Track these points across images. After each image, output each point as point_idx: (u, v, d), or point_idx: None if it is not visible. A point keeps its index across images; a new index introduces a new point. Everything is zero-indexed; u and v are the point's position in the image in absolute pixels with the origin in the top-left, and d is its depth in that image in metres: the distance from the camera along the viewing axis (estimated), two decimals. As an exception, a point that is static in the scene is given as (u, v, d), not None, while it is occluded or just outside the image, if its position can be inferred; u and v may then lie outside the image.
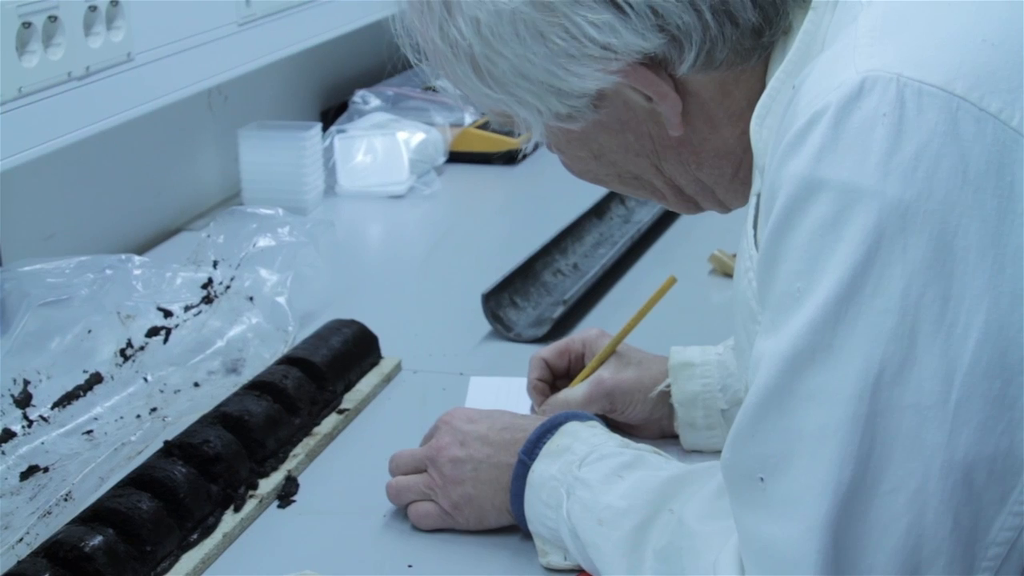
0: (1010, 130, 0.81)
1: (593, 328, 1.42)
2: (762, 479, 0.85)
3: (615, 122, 1.01)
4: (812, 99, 0.84)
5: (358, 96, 2.40)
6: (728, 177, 1.04)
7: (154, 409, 1.37)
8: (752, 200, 0.97)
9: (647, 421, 1.35)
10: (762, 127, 0.95)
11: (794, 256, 0.83)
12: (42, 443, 1.30)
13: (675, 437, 1.35)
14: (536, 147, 2.34)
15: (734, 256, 1.70)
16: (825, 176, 0.82)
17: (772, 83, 0.95)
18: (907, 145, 0.80)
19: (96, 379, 1.40)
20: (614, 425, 1.31)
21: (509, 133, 2.32)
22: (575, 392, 1.35)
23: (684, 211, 1.11)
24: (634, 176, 1.07)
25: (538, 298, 1.72)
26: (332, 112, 2.43)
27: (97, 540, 1.11)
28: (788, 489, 0.83)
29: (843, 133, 0.81)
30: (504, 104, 1.01)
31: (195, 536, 1.19)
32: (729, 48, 0.96)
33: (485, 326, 1.63)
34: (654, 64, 0.96)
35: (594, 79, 0.96)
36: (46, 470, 1.25)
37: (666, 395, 1.34)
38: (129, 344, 1.44)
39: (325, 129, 2.22)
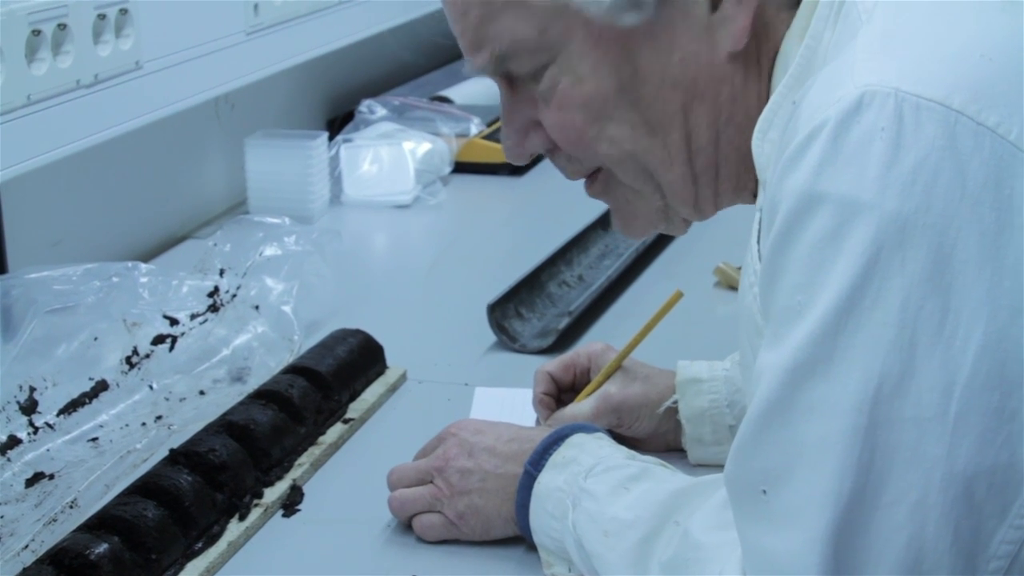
0: (1008, 144, 0.81)
1: (598, 342, 1.42)
2: (764, 492, 0.85)
3: (667, 35, 0.98)
4: (811, 114, 0.84)
5: (364, 106, 2.40)
6: (741, 153, 1.00)
7: (159, 417, 1.38)
8: (755, 215, 0.98)
9: (653, 435, 1.36)
10: (764, 141, 0.95)
11: (794, 269, 0.84)
12: (47, 450, 1.30)
13: (680, 450, 1.35)
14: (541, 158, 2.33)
15: (739, 269, 1.70)
16: (824, 190, 0.82)
17: (774, 98, 0.95)
18: (905, 159, 0.80)
19: (102, 386, 1.40)
20: (620, 439, 1.31)
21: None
22: (582, 407, 1.35)
23: (678, 196, 1.05)
24: (650, 128, 1.01)
25: (543, 309, 1.72)
26: (338, 121, 2.44)
27: (102, 548, 1.11)
28: (790, 501, 0.83)
29: (842, 147, 0.82)
30: None
31: (200, 544, 1.19)
32: None
33: (490, 337, 1.63)
34: None
35: None
36: (51, 477, 1.25)
37: (673, 410, 1.34)
38: (135, 352, 1.45)
39: (331, 138, 2.22)
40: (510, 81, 1.05)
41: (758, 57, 1.00)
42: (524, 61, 1.01)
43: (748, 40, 0.98)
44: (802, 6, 0.97)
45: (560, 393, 1.40)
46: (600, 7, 0.97)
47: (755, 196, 1.04)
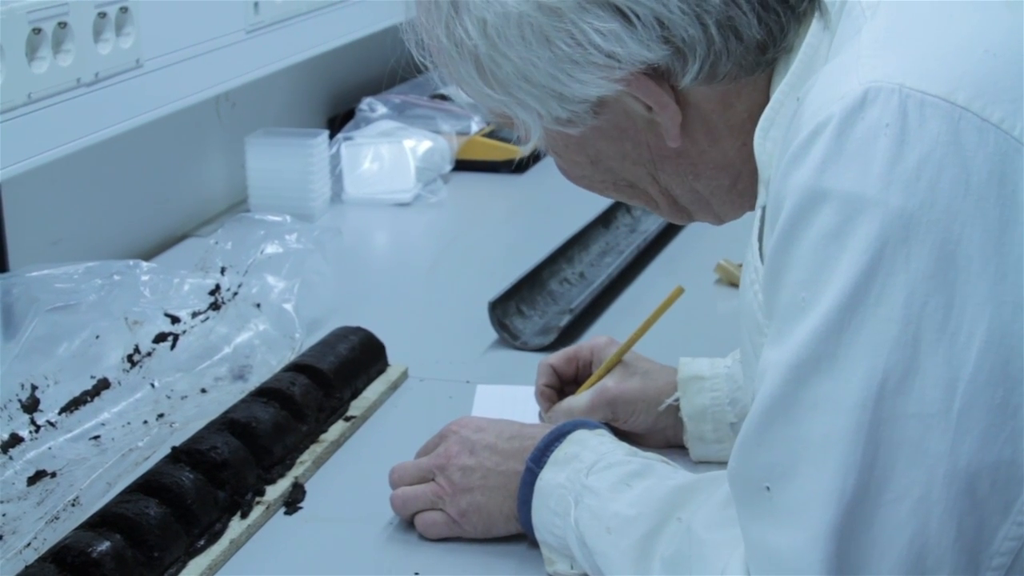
0: (1012, 139, 0.81)
1: (602, 335, 1.42)
2: (768, 488, 0.85)
3: (614, 129, 1.02)
4: (816, 110, 0.84)
5: (365, 104, 2.40)
6: (725, 189, 1.05)
7: (161, 415, 1.38)
8: (757, 213, 0.98)
9: (651, 431, 1.36)
10: (766, 140, 0.95)
11: (799, 266, 0.84)
12: (49, 448, 1.30)
13: (681, 447, 1.35)
14: (541, 156, 2.33)
15: (740, 266, 1.70)
16: (829, 186, 0.82)
17: (776, 96, 0.95)
18: (910, 155, 0.81)
19: (103, 385, 1.40)
20: (619, 434, 1.31)
21: (515, 141, 2.32)
22: (579, 400, 1.35)
23: (677, 220, 1.12)
24: (629, 184, 1.07)
25: (544, 307, 1.72)
26: (339, 119, 2.44)
27: (105, 545, 1.11)
28: (793, 498, 0.83)
29: (846, 144, 0.82)
30: (505, 105, 1.01)
31: (202, 542, 1.19)
32: (732, 62, 0.96)
33: (491, 334, 1.63)
34: (656, 75, 0.97)
35: (596, 86, 0.97)
36: (53, 475, 1.25)
37: (674, 408, 1.34)
38: (136, 350, 1.45)
39: (332, 136, 2.22)
40: None
41: (717, 126, 1.01)
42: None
43: (700, 123, 1.00)
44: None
45: (563, 385, 1.40)
46: (537, 130, 1.02)
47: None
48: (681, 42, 0.94)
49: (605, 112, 1.00)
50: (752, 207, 1.05)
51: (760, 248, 0.95)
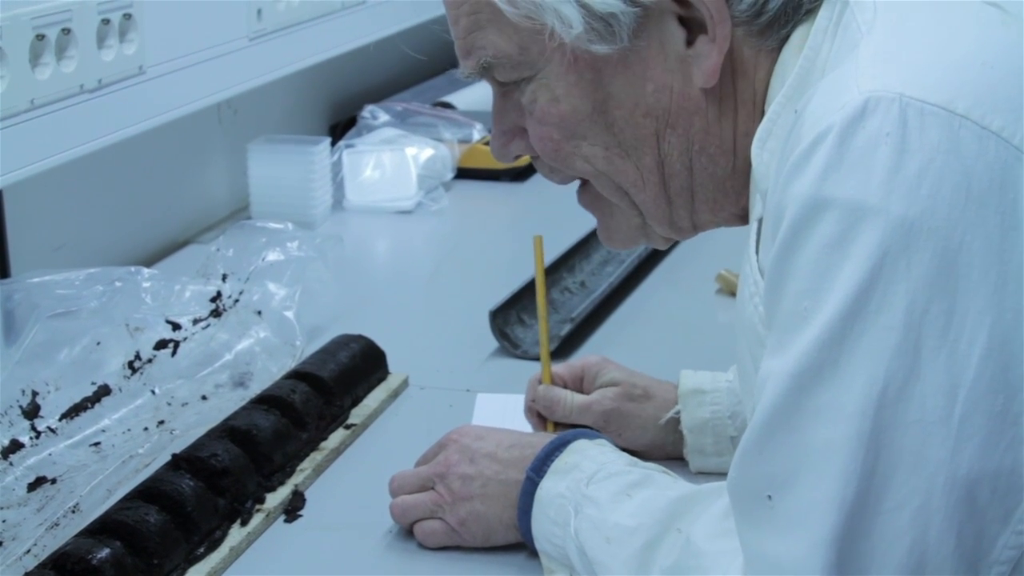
0: (1012, 148, 0.81)
1: (594, 355, 1.42)
2: (769, 497, 0.85)
3: (641, 64, 1.00)
4: (816, 121, 0.85)
5: (367, 111, 2.40)
6: (717, 179, 1.03)
7: (162, 422, 1.38)
8: (753, 226, 0.98)
9: (650, 447, 1.36)
10: (763, 150, 0.95)
11: (801, 275, 0.84)
12: (49, 454, 1.30)
13: (681, 458, 1.35)
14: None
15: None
16: (830, 195, 0.82)
17: (773, 107, 0.96)
18: (910, 163, 0.81)
19: (104, 391, 1.40)
20: (619, 446, 1.31)
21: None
22: (575, 399, 1.36)
23: (652, 216, 1.07)
24: (623, 151, 1.03)
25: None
26: (341, 127, 2.44)
27: (104, 552, 1.11)
28: (794, 506, 0.83)
29: (847, 153, 0.82)
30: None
31: (202, 550, 1.19)
32: (777, 6, 0.96)
33: (492, 343, 1.63)
34: None
35: None
36: (53, 481, 1.25)
37: (675, 421, 1.34)
38: (137, 356, 1.45)
39: (334, 144, 2.22)
40: (501, 85, 1.07)
41: (734, 93, 1.01)
42: (507, 72, 1.03)
43: (723, 77, 0.99)
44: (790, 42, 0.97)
45: None
46: (571, 34, 0.98)
47: (739, 218, 1.06)
48: None
49: (643, 36, 0.98)
50: (727, 222, 1.06)
51: (757, 261, 0.95)
